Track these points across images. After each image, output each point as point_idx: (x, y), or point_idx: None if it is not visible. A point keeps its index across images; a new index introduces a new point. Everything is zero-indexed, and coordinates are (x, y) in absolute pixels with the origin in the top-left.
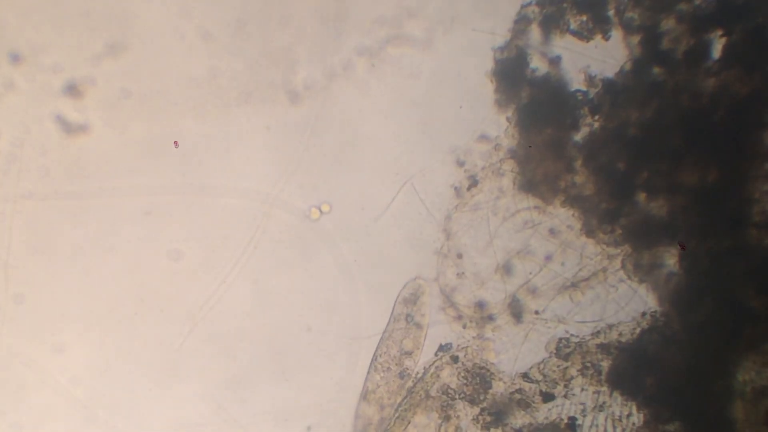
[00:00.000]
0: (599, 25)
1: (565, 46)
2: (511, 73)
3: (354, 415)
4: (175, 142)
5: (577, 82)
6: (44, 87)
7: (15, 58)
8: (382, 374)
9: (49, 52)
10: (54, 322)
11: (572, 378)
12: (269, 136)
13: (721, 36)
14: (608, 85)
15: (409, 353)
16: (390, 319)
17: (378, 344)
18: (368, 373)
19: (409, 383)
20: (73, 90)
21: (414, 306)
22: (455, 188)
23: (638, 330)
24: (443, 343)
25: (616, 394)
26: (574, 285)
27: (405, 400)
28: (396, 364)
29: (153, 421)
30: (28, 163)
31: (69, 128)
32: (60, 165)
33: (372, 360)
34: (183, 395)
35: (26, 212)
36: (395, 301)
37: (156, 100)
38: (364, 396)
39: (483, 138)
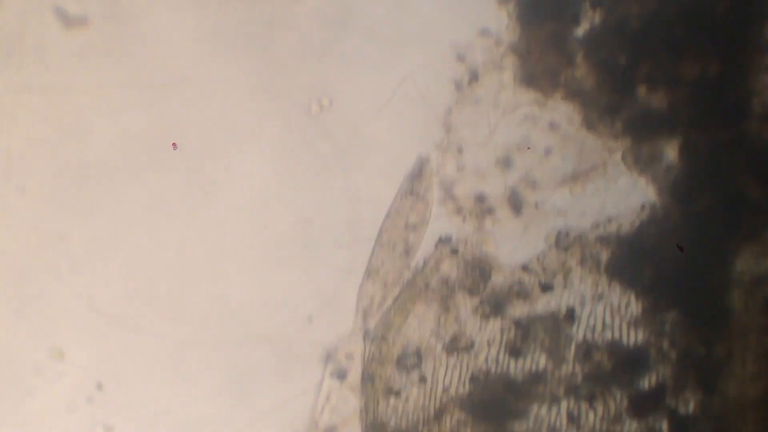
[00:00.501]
0: None
1: None
2: None
3: (357, 295)
4: (174, 144)
5: None
6: None
7: None
8: (387, 252)
9: None
10: None
11: (571, 269)
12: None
13: None
14: None
15: (414, 228)
16: (396, 196)
17: (383, 221)
18: (373, 251)
19: (409, 275)
20: None
21: (419, 181)
22: (455, 83)
23: (637, 222)
24: (443, 236)
25: (614, 284)
26: (573, 178)
27: (405, 291)
28: (402, 241)
29: None
30: (27, 54)
31: (68, 21)
32: (59, 58)
33: (377, 236)
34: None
35: (27, 106)
36: (401, 180)
37: None
38: (369, 274)
39: (484, 32)
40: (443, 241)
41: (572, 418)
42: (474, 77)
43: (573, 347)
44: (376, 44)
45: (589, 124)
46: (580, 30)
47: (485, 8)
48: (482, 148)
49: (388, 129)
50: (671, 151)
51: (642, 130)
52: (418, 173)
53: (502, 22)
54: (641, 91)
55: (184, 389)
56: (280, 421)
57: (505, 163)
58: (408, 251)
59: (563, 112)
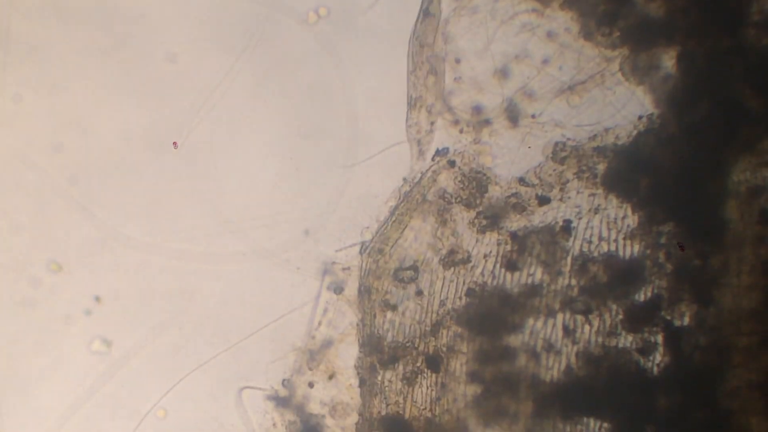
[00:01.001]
0: None
1: None
2: None
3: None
4: (174, 143)
5: None
6: None
7: None
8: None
9: None
10: None
11: (568, 181)
12: None
13: None
14: None
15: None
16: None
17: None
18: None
19: (406, 187)
20: None
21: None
22: None
23: (635, 133)
24: (440, 148)
25: (611, 196)
26: (571, 88)
27: (402, 204)
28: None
29: None
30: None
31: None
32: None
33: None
34: None
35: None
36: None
37: None
38: (412, 104)
39: None
40: (440, 153)
41: (568, 332)
42: None
43: (569, 260)
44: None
45: (586, 34)
46: None
47: None
48: (479, 59)
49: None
50: (668, 60)
51: (639, 39)
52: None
53: None
54: None
55: (181, 302)
56: (278, 334)
57: (503, 73)
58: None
59: (561, 21)
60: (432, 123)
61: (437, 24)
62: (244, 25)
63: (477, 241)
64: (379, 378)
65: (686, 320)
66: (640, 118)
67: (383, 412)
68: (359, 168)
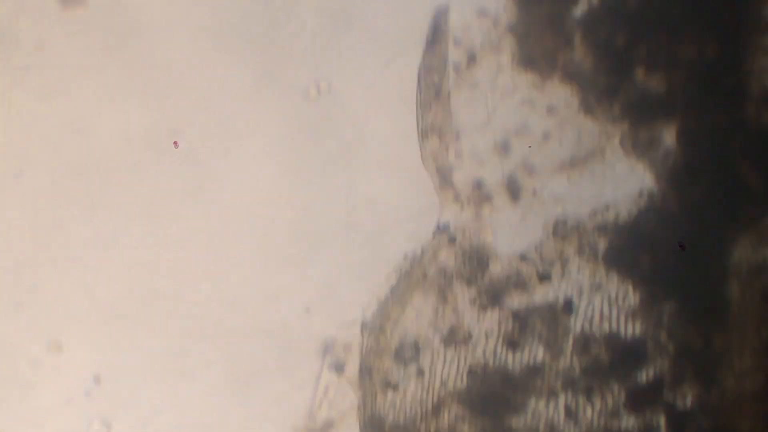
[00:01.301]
0: None
1: None
2: None
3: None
4: (175, 143)
5: None
6: None
7: None
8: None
9: None
10: None
11: (569, 258)
12: None
13: None
14: None
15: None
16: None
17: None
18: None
19: (406, 265)
20: None
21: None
22: (453, 65)
23: (635, 209)
24: (440, 224)
25: (612, 274)
26: (571, 163)
27: (402, 281)
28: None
29: None
30: (23, 35)
31: (65, 1)
32: (55, 38)
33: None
34: None
35: (24, 86)
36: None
37: None
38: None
39: (481, 13)
40: (441, 229)
41: (570, 413)
42: (472, 59)
43: (571, 339)
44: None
45: (587, 108)
46: (578, 10)
47: None
48: (480, 133)
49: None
50: (669, 136)
51: (640, 114)
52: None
53: (500, 3)
54: (639, 73)
55: (182, 384)
56: (278, 415)
57: (504, 148)
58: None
59: (561, 95)
60: (447, 147)
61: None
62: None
63: (478, 319)
64: None
65: (689, 402)
66: (641, 194)
67: None
68: (359, 240)
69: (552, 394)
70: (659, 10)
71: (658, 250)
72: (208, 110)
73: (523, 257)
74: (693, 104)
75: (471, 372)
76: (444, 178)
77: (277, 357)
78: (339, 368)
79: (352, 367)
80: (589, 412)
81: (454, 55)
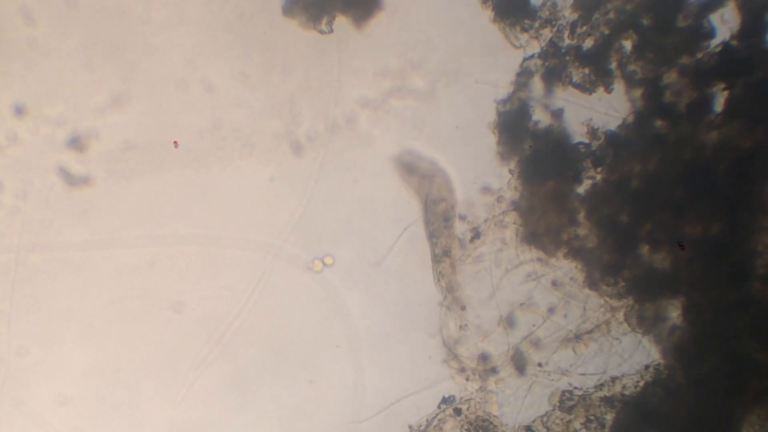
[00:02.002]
0: (601, 78)
1: (567, 98)
2: (513, 125)
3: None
4: (175, 143)
5: (579, 135)
6: (47, 139)
7: (19, 110)
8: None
9: (53, 103)
10: (57, 375)
11: (576, 431)
12: (272, 188)
13: (724, 89)
14: (611, 137)
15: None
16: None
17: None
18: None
19: None
20: (76, 142)
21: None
22: (458, 240)
23: (642, 383)
24: (446, 396)
25: None
26: (577, 337)
27: None
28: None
29: None
30: (31, 215)
31: (72, 180)
32: (63, 217)
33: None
34: None
35: (29, 265)
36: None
37: (159, 152)
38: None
39: (486, 190)
40: (446, 401)
41: None
42: (476, 235)
43: None
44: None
45: (591, 283)
46: (582, 188)
47: (487, 165)
48: (485, 307)
49: (389, 286)
50: (675, 312)
51: (645, 290)
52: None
53: (503, 180)
54: (644, 250)
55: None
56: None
57: (509, 321)
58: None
59: (566, 270)
60: (453, 267)
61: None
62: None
63: None
64: None
65: None
66: (647, 367)
67: None
68: (365, 412)
69: None
70: (663, 188)
71: (666, 425)
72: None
73: (529, 430)
74: (698, 281)
75: None
76: (450, 350)
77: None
78: None
79: None
80: None
81: (459, 229)
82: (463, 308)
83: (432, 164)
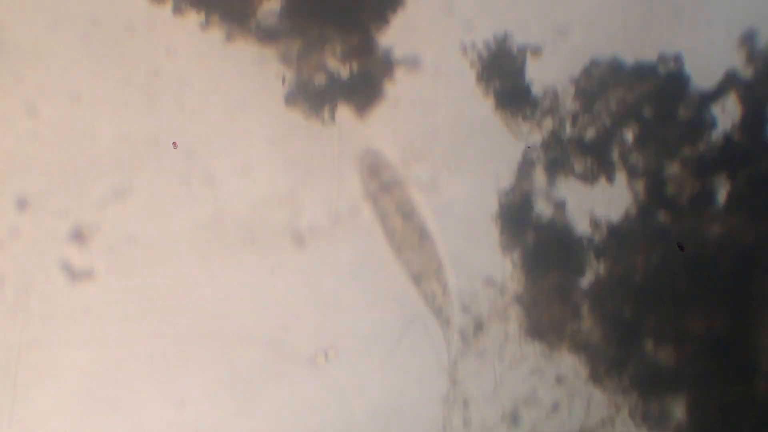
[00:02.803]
0: (604, 169)
1: (569, 189)
2: (516, 216)
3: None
4: (174, 143)
5: (582, 226)
6: (49, 233)
7: (21, 204)
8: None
9: (55, 197)
10: None
11: None
12: (273, 281)
13: (726, 182)
14: (613, 229)
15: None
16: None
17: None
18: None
19: None
20: (78, 236)
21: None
22: (461, 333)
23: None
24: None
25: None
26: None
27: None
28: None
29: None
30: (33, 310)
31: (74, 275)
32: (65, 312)
33: None
34: None
35: (31, 361)
36: None
37: (161, 245)
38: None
39: (488, 282)
40: None
41: None
42: (479, 328)
43: None
44: (382, 290)
45: (596, 379)
46: (585, 281)
47: (489, 256)
48: (489, 402)
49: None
50: (679, 409)
51: (649, 386)
52: None
53: (506, 272)
54: (648, 345)
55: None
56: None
57: (512, 418)
58: None
59: (569, 365)
60: (444, 288)
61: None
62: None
63: None
64: None
65: None
66: None
67: None
68: None
69: None
70: (667, 283)
71: None
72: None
73: None
74: (703, 378)
75: None
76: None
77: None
78: None
79: None
80: None
81: (462, 322)
82: (466, 404)
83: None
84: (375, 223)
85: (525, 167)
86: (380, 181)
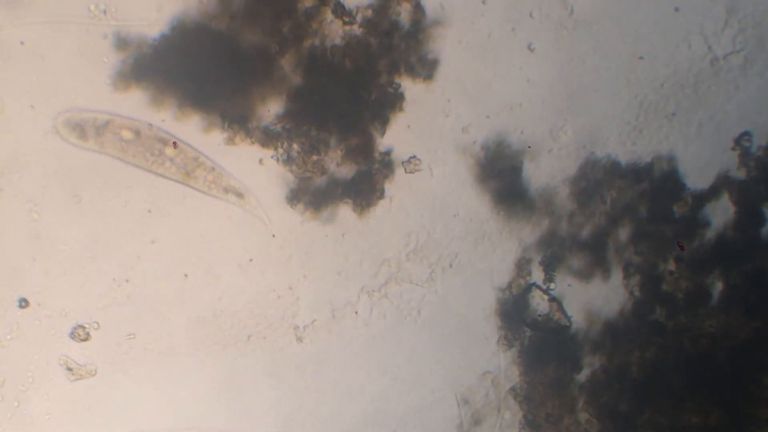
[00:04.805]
0: (600, 266)
1: (566, 285)
2: (513, 311)
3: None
4: (174, 143)
5: (578, 322)
6: (50, 331)
7: (22, 303)
8: None
9: (56, 296)
10: None
11: None
12: (272, 377)
13: (721, 279)
14: (609, 325)
15: None
16: None
17: None
18: None
19: None
20: (78, 333)
21: None
22: (457, 427)
23: None
24: None
25: None
26: None
27: None
28: None
29: None
30: (33, 408)
31: (74, 372)
32: (64, 410)
33: None
34: None
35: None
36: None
37: (160, 342)
38: None
39: (485, 376)
40: None
41: None
42: (476, 421)
43: None
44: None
45: None
46: (582, 375)
47: (487, 351)
48: None
49: None
50: None
51: None
52: None
53: (503, 366)
54: None
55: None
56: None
57: None
58: None
59: None
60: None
61: None
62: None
63: None
64: None
65: None
66: None
67: None
68: None
69: None
70: (662, 378)
71: None
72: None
73: None
74: None
75: None
76: None
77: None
78: None
79: None
80: None
81: (459, 415)
82: None
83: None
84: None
85: (522, 264)
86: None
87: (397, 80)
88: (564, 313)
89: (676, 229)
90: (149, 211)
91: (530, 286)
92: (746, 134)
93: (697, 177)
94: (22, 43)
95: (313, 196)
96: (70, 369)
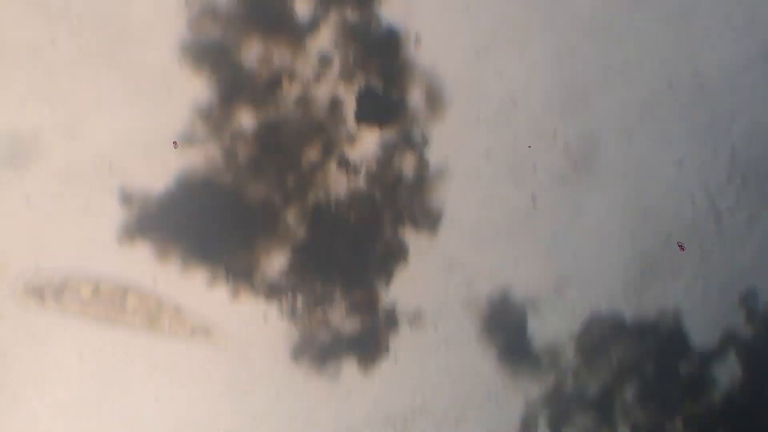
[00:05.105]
0: (605, 425)
1: None
2: None
3: None
4: (175, 143)
5: None
6: None
7: None
8: None
9: None
10: None
11: None
12: None
13: None
14: None
15: None
16: None
17: None
18: None
19: None
20: None
21: None
22: None
23: None
24: None
25: None
26: None
27: None
28: None
29: None
30: None
31: None
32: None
33: None
34: None
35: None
36: None
37: None
38: None
39: None
40: None
41: None
42: None
43: None
44: None
45: None
46: None
47: None
48: None
49: None
50: None
51: None
52: None
53: None
54: None
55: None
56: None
57: None
58: None
59: None
60: None
61: None
62: None
63: None
64: None
65: None
66: None
67: None
68: None
69: None
70: None
71: None
72: None
73: None
74: None
75: None
76: None
77: None
78: None
79: None
80: None
81: None
82: None
83: None
84: None
85: (527, 423)
86: None
87: (401, 233)
88: None
89: (684, 388)
90: None
91: None
92: (753, 291)
93: (703, 335)
94: None
95: (317, 351)
96: None
